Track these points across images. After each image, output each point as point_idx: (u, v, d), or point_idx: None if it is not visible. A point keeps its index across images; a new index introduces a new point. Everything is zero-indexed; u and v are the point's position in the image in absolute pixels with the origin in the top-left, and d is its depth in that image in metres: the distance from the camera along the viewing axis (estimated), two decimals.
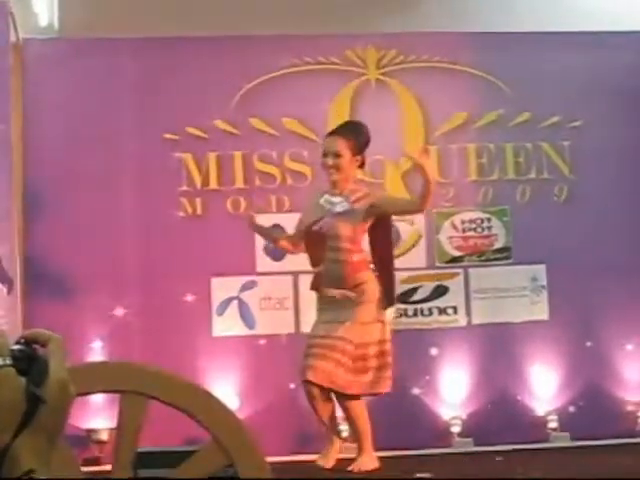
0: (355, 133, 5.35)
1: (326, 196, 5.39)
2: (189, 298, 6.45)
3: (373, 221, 5.35)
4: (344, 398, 5.23)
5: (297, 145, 6.64)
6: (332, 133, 5.41)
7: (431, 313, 6.65)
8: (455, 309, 6.67)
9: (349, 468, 5.19)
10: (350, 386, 5.21)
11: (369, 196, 5.34)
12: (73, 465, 1.88)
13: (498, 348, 6.60)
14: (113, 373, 1.87)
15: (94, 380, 1.87)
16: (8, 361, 1.15)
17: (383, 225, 5.42)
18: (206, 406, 1.80)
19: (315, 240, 5.32)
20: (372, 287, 5.29)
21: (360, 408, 5.28)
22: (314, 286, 5.40)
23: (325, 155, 5.32)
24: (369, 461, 5.29)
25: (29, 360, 1.17)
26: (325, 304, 5.33)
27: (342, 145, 5.28)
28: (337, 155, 5.27)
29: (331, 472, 5.19)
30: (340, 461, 5.33)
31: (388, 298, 5.38)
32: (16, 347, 1.18)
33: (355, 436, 5.37)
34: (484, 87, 6.86)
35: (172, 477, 1.83)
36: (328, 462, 5.30)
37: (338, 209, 5.30)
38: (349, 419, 5.34)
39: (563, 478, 4.76)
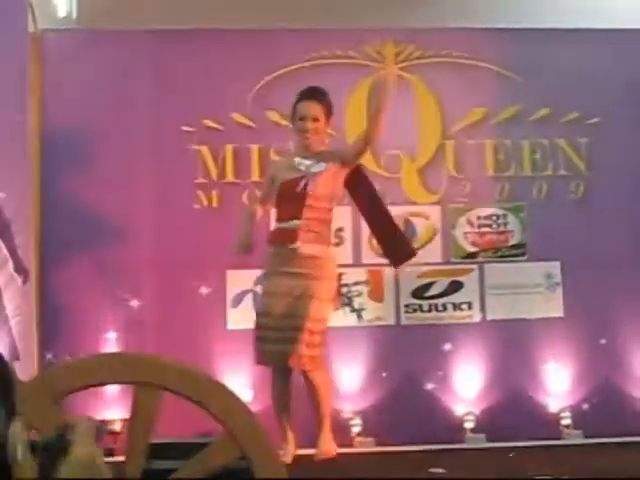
0: (326, 97, 5.41)
1: (298, 158, 5.40)
2: (204, 290, 6.46)
3: (347, 179, 5.40)
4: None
5: None
6: (306, 97, 5.39)
7: (445, 308, 6.64)
8: (470, 305, 6.66)
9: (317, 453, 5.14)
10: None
11: (333, 154, 5.39)
12: None
13: (512, 344, 6.58)
14: (128, 364, 1.87)
15: (109, 371, 1.87)
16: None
17: (359, 181, 5.48)
18: (220, 398, 1.81)
19: (291, 197, 5.27)
20: (331, 263, 5.34)
21: (321, 376, 5.23)
22: (279, 240, 5.30)
23: (302, 119, 5.34)
24: (329, 444, 5.24)
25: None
26: (279, 265, 5.26)
27: (318, 109, 5.34)
28: (315, 119, 5.33)
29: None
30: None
31: (403, 251, 5.47)
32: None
33: (315, 411, 5.24)
34: (502, 83, 6.84)
35: (185, 468, 1.83)
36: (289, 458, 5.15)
37: (315, 169, 5.31)
38: (313, 391, 5.21)
39: (575, 476, 4.75)
